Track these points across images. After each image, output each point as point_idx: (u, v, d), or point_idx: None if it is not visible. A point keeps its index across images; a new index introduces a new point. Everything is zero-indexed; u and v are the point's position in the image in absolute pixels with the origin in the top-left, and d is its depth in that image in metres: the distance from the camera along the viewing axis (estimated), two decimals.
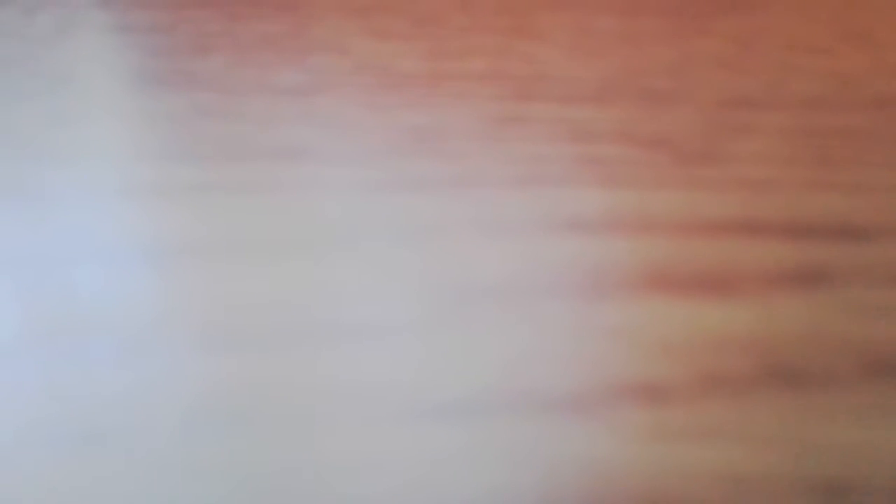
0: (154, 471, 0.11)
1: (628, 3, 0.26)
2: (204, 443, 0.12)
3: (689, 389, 0.12)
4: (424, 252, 0.15)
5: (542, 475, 0.11)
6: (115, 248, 0.15)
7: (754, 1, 0.26)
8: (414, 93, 0.21)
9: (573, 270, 0.15)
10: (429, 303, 0.14)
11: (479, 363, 0.13)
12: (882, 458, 0.12)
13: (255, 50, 0.23)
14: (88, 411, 0.12)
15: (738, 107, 0.20)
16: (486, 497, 0.11)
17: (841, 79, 0.22)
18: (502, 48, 0.23)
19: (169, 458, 0.11)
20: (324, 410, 0.12)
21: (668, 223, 0.16)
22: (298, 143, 0.18)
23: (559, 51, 0.23)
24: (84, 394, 0.12)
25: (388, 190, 0.17)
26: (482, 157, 0.18)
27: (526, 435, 0.12)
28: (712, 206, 0.17)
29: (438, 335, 0.13)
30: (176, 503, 0.11)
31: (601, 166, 0.18)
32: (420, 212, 0.16)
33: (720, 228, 0.16)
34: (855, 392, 0.13)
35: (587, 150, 0.18)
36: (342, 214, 0.16)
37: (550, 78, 0.22)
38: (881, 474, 0.11)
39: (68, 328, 0.13)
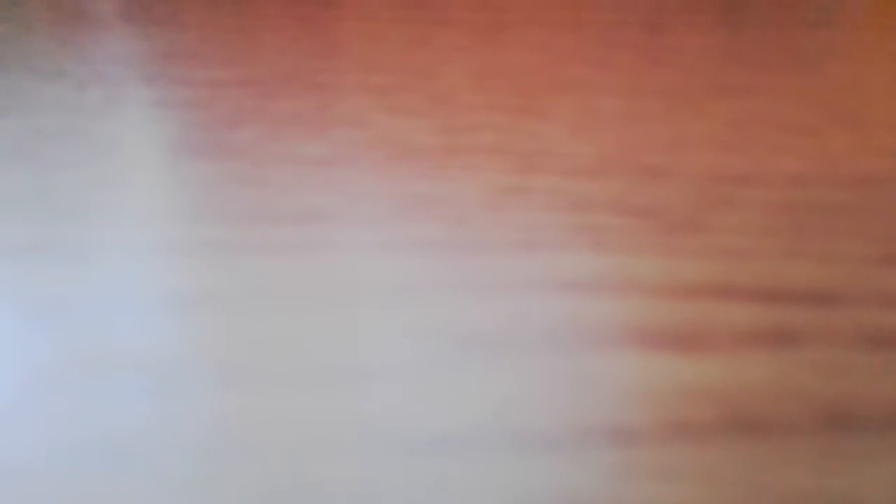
0: (173, 492, 0.13)
1: (631, 86, 0.28)
2: (218, 468, 0.13)
3: (657, 434, 0.14)
4: (425, 306, 0.17)
5: None
6: (145, 299, 0.17)
7: (749, 86, 0.28)
8: (425, 164, 0.22)
9: (560, 325, 0.16)
10: (426, 351, 0.15)
11: (468, 406, 0.14)
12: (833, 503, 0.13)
13: (284, 124, 0.25)
14: (116, 437, 0.13)
15: (725, 182, 0.22)
16: None
17: (826, 158, 0.23)
18: (510, 125, 0.25)
19: (187, 481, 0.13)
20: (328, 443, 0.13)
21: (651, 286, 0.17)
22: (317, 207, 0.20)
23: (562, 128, 0.25)
24: (112, 423, 0.14)
25: (395, 250, 0.19)
26: (484, 223, 0.20)
27: (506, 469, 0.13)
28: (692, 271, 0.18)
29: (433, 380, 0.15)
30: None
31: (593, 233, 0.19)
32: (423, 270, 0.18)
33: (698, 291, 0.17)
34: (813, 441, 0.14)
35: (582, 219, 0.20)
36: (352, 271, 0.18)
37: (552, 153, 0.23)
38: None
39: (100, 366, 0.15)
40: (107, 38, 0.34)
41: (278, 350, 0.16)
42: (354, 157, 0.23)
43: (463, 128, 0.25)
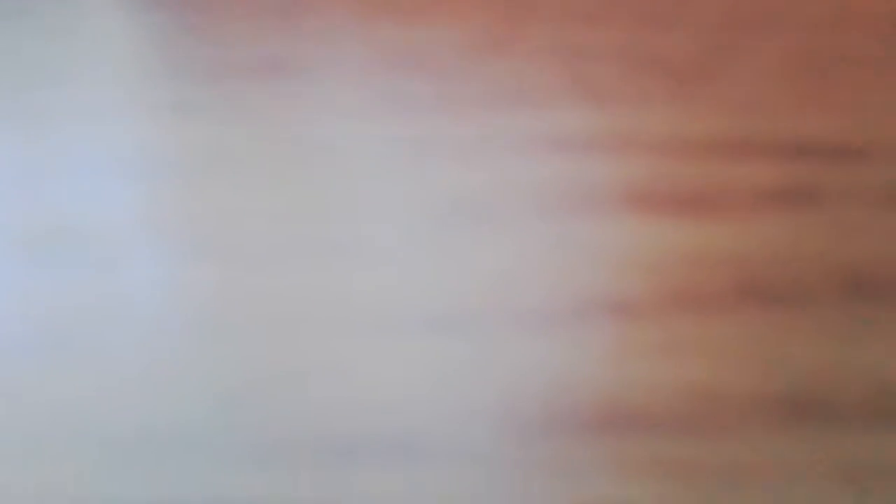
0: (131, 380, 0.11)
1: None
2: (187, 350, 0.12)
3: (660, 306, 0.13)
4: (407, 170, 0.15)
5: (510, 386, 0.12)
6: (97, 164, 0.16)
7: None
8: (404, 10, 0.20)
9: (556, 189, 0.15)
10: (410, 219, 0.14)
11: (456, 278, 0.13)
12: (852, 377, 0.12)
13: None
14: (62, 318, 0.12)
15: (739, 29, 0.20)
16: (456, 405, 0.11)
17: (848, 4, 0.21)
18: None
19: (152, 366, 0.12)
20: (309, 322, 0.12)
21: (655, 142, 0.16)
22: (283, 61, 0.18)
23: None
24: (60, 301, 0.13)
25: (371, 109, 0.17)
26: (470, 77, 0.18)
27: (498, 347, 0.12)
28: (702, 126, 0.16)
29: (418, 251, 0.14)
30: (159, 409, 0.11)
31: (592, 86, 0.18)
32: (404, 131, 0.16)
33: (708, 148, 0.16)
34: (829, 311, 0.13)
35: (579, 71, 0.18)
36: (325, 135, 0.16)
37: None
38: (850, 393, 0.11)
39: (46, 237, 0.14)
40: None
41: (248, 221, 0.14)
42: (323, 4, 0.21)
43: None
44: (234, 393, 0.11)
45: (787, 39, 0.20)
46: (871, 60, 0.18)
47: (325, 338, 0.12)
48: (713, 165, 0.15)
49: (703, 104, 0.17)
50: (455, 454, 0.11)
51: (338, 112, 0.17)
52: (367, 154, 0.16)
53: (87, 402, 0.11)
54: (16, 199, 0.15)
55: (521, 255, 0.13)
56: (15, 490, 0.10)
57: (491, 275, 0.13)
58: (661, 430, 0.11)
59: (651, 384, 0.11)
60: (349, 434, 0.11)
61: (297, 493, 0.11)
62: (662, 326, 0.12)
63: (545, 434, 0.11)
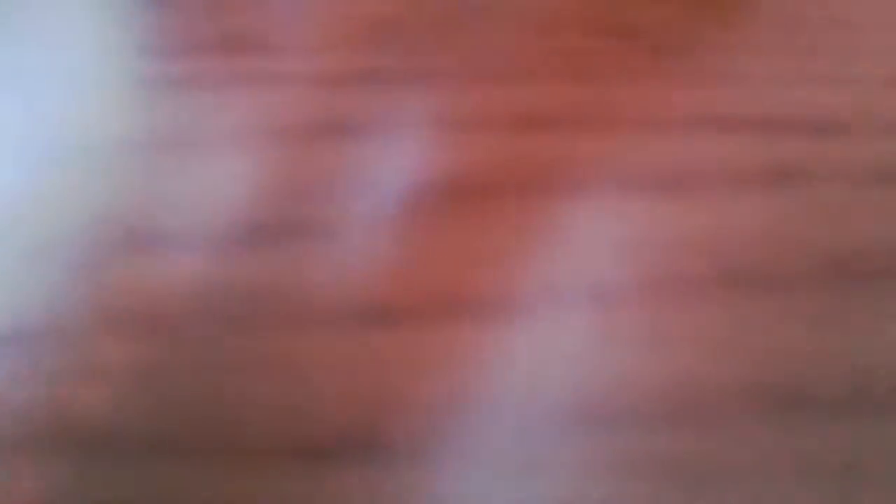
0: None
1: None
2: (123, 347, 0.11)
3: (639, 291, 0.12)
4: (377, 147, 0.14)
5: (490, 380, 0.11)
6: (49, 141, 0.15)
7: None
8: None
9: (528, 167, 0.14)
10: (380, 199, 0.13)
11: (428, 264, 0.12)
12: (833, 364, 0.11)
13: None
14: None
15: None
16: (417, 401, 0.11)
17: None
18: None
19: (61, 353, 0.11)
20: (264, 306, 0.12)
21: (631, 118, 0.15)
22: (247, 32, 0.17)
23: None
24: None
25: (341, 83, 0.16)
26: (442, 50, 0.17)
27: (466, 338, 0.11)
28: (680, 99, 0.16)
29: (392, 231, 0.13)
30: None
31: (564, 58, 0.17)
32: (376, 106, 0.15)
33: (687, 124, 0.15)
34: (810, 296, 0.12)
35: (551, 43, 0.17)
36: (294, 108, 0.15)
37: None
38: (831, 381, 0.11)
39: None
40: None
41: (202, 204, 0.13)
42: None
43: None
44: (187, 380, 0.11)
45: (772, 7, 0.19)
46: (866, 25, 0.18)
47: (282, 325, 0.11)
48: (693, 142, 0.15)
49: (679, 78, 0.16)
50: (419, 453, 0.10)
51: (302, 89, 0.16)
52: (331, 133, 0.15)
53: None
54: None
55: (491, 238, 0.13)
56: None
57: (459, 260, 0.12)
58: (646, 423, 0.10)
59: (633, 375, 0.11)
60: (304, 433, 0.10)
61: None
62: (641, 313, 0.12)
63: (524, 430, 0.10)
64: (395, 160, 0.14)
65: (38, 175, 0.14)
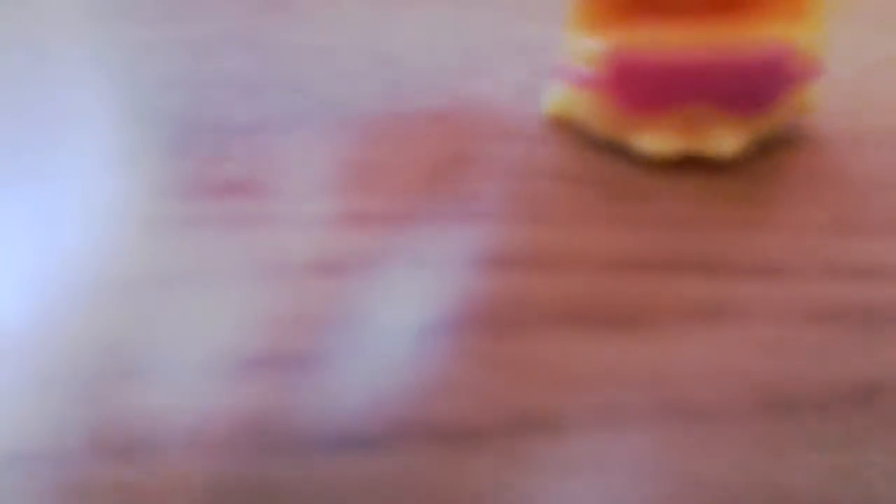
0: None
1: None
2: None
3: (583, 420, 0.13)
4: (352, 281, 0.16)
5: (444, 497, 0.12)
6: (62, 276, 0.16)
7: None
8: (364, 131, 0.21)
9: (490, 304, 0.16)
10: (350, 331, 0.15)
11: (388, 392, 0.14)
12: (764, 494, 0.12)
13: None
14: None
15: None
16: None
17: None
18: (459, 90, 0.24)
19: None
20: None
21: (589, 260, 0.17)
22: (247, 178, 0.19)
23: (511, 91, 0.24)
24: None
25: (331, 224, 0.18)
26: (420, 194, 0.19)
27: (417, 463, 0.12)
28: (632, 243, 0.17)
29: (354, 363, 0.14)
30: None
31: (531, 203, 0.18)
32: (362, 245, 0.17)
33: (637, 266, 0.17)
34: (746, 427, 0.13)
35: (521, 187, 0.19)
36: (278, 246, 0.17)
37: (497, 119, 0.22)
38: None
39: None
40: None
41: (187, 336, 0.15)
42: (289, 125, 0.22)
43: (409, 91, 0.24)
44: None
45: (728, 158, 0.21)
46: (806, 173, 0.20)
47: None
48: (642, 282, 0.16)
49: (634, 222, 0.18)
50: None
51: (286, 230, 0.18)
52: (310, 268, 0.16)
53: None
54: None
55: (450, 370, 0.14)
56: None
57: (415, 389, 0.14)
58: None
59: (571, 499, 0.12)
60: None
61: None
62: (584, 441, 0.13)
63: None
64: (380, 296, 0.16)
65: (49, 308, 0.15)
